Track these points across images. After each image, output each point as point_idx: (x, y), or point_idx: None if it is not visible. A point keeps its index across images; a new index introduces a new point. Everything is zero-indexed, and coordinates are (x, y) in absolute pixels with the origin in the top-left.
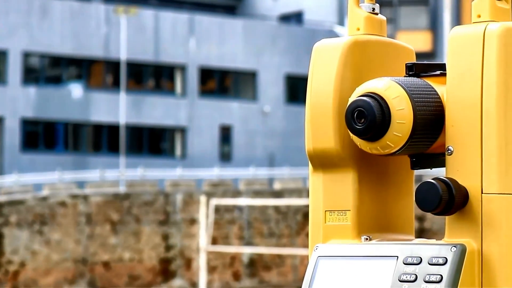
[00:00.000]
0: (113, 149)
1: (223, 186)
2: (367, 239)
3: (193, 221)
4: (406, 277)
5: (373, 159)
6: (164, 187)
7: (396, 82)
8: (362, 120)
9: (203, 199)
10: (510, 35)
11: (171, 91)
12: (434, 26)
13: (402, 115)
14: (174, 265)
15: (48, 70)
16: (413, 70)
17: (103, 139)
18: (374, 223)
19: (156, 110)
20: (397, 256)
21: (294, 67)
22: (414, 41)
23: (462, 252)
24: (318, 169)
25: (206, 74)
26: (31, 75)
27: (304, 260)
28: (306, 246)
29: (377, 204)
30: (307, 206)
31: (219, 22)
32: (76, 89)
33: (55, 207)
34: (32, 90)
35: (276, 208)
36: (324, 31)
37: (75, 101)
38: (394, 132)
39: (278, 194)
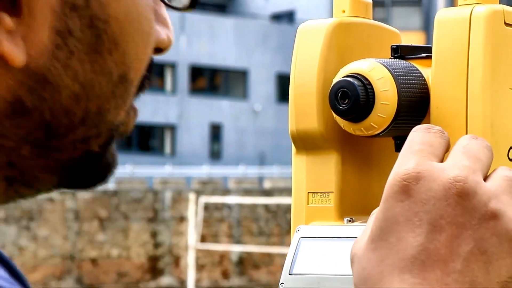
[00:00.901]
0: None
1: (213, 184)
2: (349, 221)
3: (182, 219)
4: None
5: (357, 141)
6: (153, 184)
7: (381, 63)
8: (346, 101)
9: (192, 196)
10: (496, 17)
11: (161, 88)
12: (427, 27)
13: (386, 96)
14: (163, 262)
15: None
16: (399, 52)
17: None
18: (357, 205)
19: (145, 108)
20: None
21: (286, 66)
22: (407, 41)
23: None
24: (301, 151)
25: (197, 72)
26: None
27: None
28: None
29: (360, 186)
30: None
31: (210, 20)
32: None
33: (43, 203)
34: None
35: (266, 207)
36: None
37: None
38: (378, 113)
39: (268, 193)
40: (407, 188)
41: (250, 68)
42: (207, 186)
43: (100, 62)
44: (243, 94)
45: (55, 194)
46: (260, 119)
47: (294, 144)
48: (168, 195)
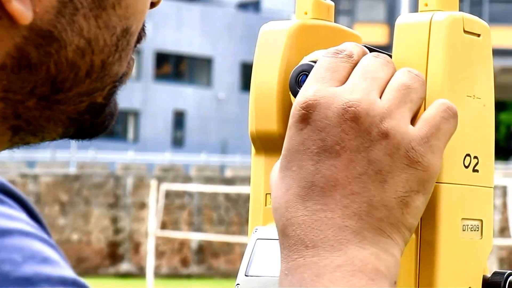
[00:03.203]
0: None
1: (174, 171)
2: None
3: (143, 205)
4: None
5: None
6: (115, 170)
7: None
8: None
9: (153, 183)
10: (456, 25)
11: None
12: (391, 20)
13: None
14: (122, 248)
15: None
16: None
17: None
18: None
19: None
20: None
21: (250, 55)
22: (371, 34)
23: None
24: (261, 152)
25: (162, 58)
26: None
27: None
28: None
29: None
30: None
31: (176, 7)
32: None
33: None
34: None
35: (227, 196)
36: (282, 20)
37: None
38: None
39: (229, 182)
40: (305, 117)
41: (215, 56)
42: (168, 173)
43: (104, 18)
44: (207, 81)
45: (16, 177)
46: (224, 107)
47: (253, 145)
48: (129, 181)
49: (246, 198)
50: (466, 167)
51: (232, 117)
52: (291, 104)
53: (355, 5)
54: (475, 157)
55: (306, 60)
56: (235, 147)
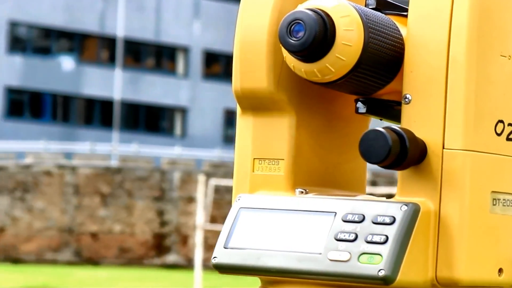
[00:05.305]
0: (106, 123)
1: (225, 167)
2: (302, 192)
3: (190, 199)
4: (344, 235)
5: (316, 103)
6: (160, 164)
7: (350, 4)
8: (299, 34)
9: (201, 178)
10: None
11: (172, 71)
12: None
13: (350, 36)
14: (169, 240)
15: (36, 41)
16: (374, 4)
17: (95, 113)
18: (313, 175)
19: (155, 89)
20: (335, 212)
21: None
22: None
23: (414, 212)
24: (247, 112)
25: (211, 58)
26: (17, 45)
27: None
28: None
29: (318, 154)
30: None
31: (226, 8)
32: (67, 62)
33: (39, 176)
34: (17, 59)
35: None
36: None
37: (66, 73)
38: (337, 54)
39: None
40: None
41: None
42: (219, 169)
43: None
44: None
45: (52, 168)
46: None
47: (238, 104)
48: (176, 175)
49: None
50: (499, 134)
51: None
52: (283, 58)
53: None
54: (510, 124)
55: (301, 8)
56: None
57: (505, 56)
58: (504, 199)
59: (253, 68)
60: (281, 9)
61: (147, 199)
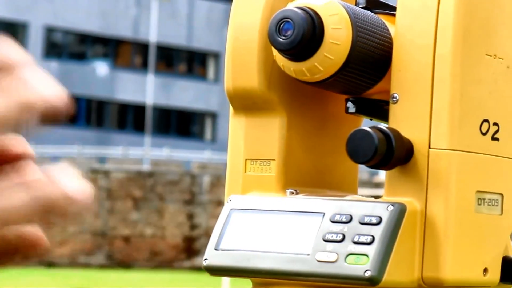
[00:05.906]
0: (139, 128)
1: None
2: (292, 193)
3: (220, 203)
4: (332, 236)
5: (307, 104)
6: (191, 168)
7: (339, 2)
8: (288, 33)
9: None
10: None
11: (203, 76)
12: None
13: (338, 35)
14: (199, 243)
15: (71, 46)
16: (364, 3)
17: (129, 118)
18: (304, 176)
19: (186, 93)
20: (324, 213)
21: None
22: None
23: (400, 212)
24: (240, 112)
25: None
26: (53, 50)
27: None
28: None
29: (309, 155)
30: None
31: None
32: (101, 67)
33: None
34: (53, 65)
35: None
36: None
37: (100, 78)
38: (326, 53)
39: None
40: None
41: None
42: None
43: None
44: None
45: (86, 173)
46: None
47: (231, 104)
48: (206, 179)
49: None
50: (484, 134)
51: None
52: (273, 57)
53: None
54: (495, 124)
55: (291, 6)
56: None
57: (491, 55)
58: (489, 199)
59: (244, 67)
60: (272, 7)
61: (178, 202)
